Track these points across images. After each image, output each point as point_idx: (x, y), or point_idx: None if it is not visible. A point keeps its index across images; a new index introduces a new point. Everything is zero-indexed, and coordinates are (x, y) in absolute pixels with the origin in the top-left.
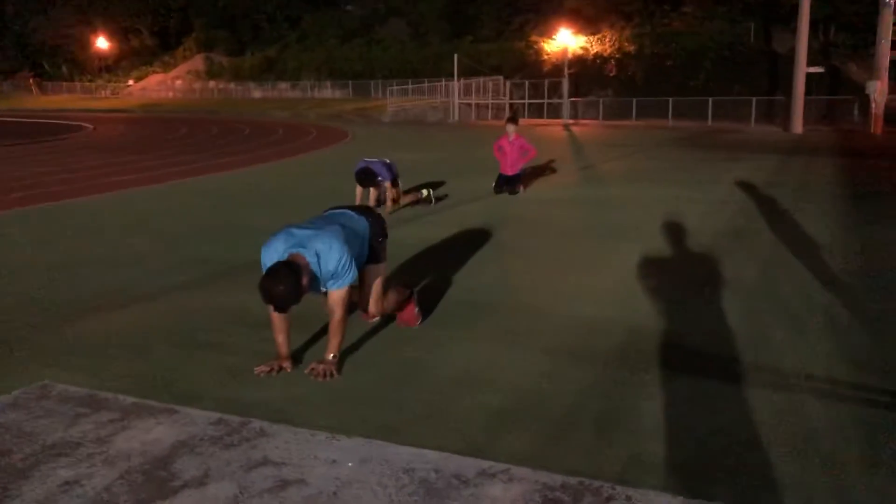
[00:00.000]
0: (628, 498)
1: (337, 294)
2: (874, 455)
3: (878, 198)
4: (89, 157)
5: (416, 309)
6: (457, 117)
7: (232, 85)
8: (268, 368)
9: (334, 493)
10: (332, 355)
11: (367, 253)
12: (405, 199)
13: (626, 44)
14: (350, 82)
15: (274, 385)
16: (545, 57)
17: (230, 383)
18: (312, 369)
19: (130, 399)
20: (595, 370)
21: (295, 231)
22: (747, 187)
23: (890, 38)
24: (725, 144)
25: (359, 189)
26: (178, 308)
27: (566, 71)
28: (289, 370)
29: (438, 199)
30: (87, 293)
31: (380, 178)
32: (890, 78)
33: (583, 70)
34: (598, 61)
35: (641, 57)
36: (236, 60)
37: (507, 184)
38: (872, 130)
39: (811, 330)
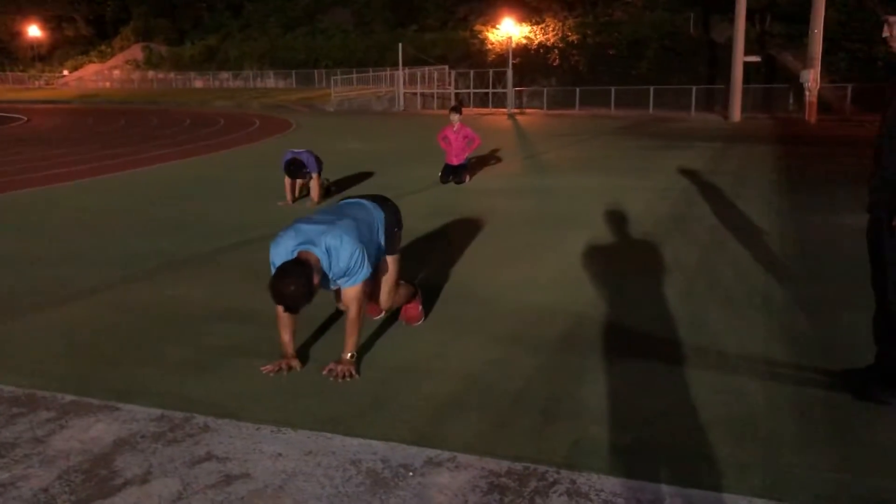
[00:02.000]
0: (573, 482)
1: (352, 291)
2: (810, 433)
3: (813, 184)
4: (23, 150)
5: (421, 307)
6: (402, 106)
7: (172, 75)
8: (275, 368)
9: (280, 487)
10: (349, 354)
11: (384, 245)
12: (320, 192)
13: (570, 33)
14: (293, 72)
15: (218, 380)
16: (489, 46)
17: (173, 379)
18: (331, 370)
19: (69, 397)
20: (540, 357)
21: (304, 227)
22: (688, 174)
23: (822, 29)
24: (667, 133)
25: (287, 181)
26: (117, 303)
27: (510, 60)
28: (298, 369)
29: (346, 188)
30: (21, 290)
31: (307, 169)
32: (822, 67)
33: (527, 59)
34: (541, 51)
35: (584, 46)
36: (176, 50)
37: (452, 173)
38: (807, 118)
39: (749, 313)
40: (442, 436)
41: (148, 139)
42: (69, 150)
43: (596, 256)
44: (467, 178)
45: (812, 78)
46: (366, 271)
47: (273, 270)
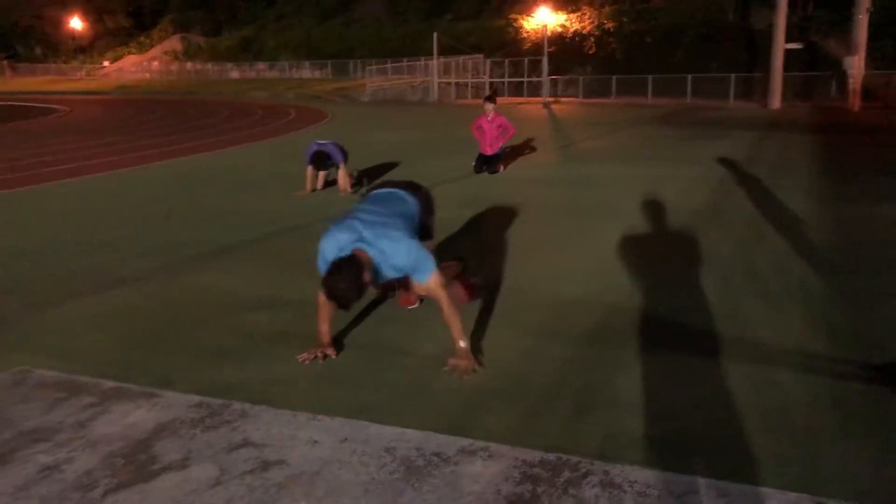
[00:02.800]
0: (606, 473)
1: (431, 282)
2: (848, 427)
3: (855, 174)
4: (63, 141)
5: (472, 279)
6: (436, 96)
7: (209, 65)
8: (310, 356)
9: (315, 473)
10: (462, 342)
11: (420, 233)
12: (349, 182)
13: (606, 21)
14: (329, 62)
15: (255, 367)
16: (524, 35)
17: (210, 366)
18: (453, 366)
19: (110, 383)
20: (574, 347)
21: (357, 225)
22: (726, 164)
23: (867, 14)
24: (704, 121)
25: (309, 172)
26: (156, 291)
27: (546, 49)
28: (333, 356)
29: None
30: (63, 278)
31: (332, 160)
32: (866, 53)
33: (562, 48)
34: (577, 39)
35: (621, 34)
36: (213, 41)
37: (486, 163)
38: (850, 106)
39: (787, 304)
40: (475, 425)
41: (185, 130)
42: (108, 141)
43: (630, 247)
44: (501, 167)
45: (856, 65)
46: (430, 259)
47: (320, 261)
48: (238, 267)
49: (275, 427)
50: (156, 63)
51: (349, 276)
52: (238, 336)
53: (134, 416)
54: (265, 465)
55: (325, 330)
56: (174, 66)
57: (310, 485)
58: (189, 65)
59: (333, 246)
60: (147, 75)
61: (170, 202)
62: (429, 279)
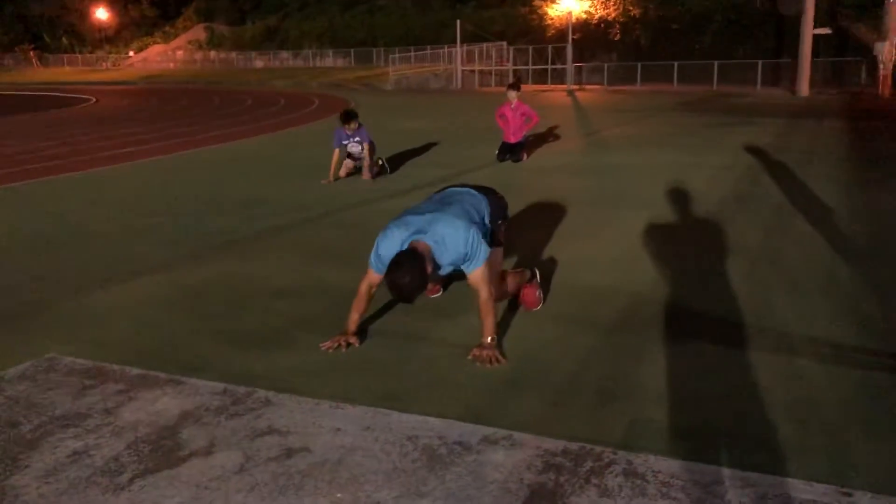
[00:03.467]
0: (629, 462)
1: (478, 273)
2: (875, 419)
3: (885, 162)
4: (92, 130)
5: (538, 291)
6: (460, 84)
7: (233, 55)
8: (333, 344)
9: (339, 461)
10: (489, 338)
11: (489, 235)
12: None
13: (631, 7)
14: (352, 51)
15: (279, 355)
16: (549, 22)
17: (235, 354)
18: (476, 356)
19: (136, 370)
20: (598, 337)
21: (412, 218)
22: (753, 152)
23: None
24: (731, 108)
25: (335, 158)
26: (182, 279)
27: (570, 36)
28: (356, 345)
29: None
30: (92, 266)
31: (360, 145)
32: None
33: (587, 35)
34: (602, 25)
35: (646, 21)
36: (237, 30)
37: (510, 152)
38: (880, 93)
39: (815, 294)
40: (498, 414)
41: (210, 119)
42: (135, 130)
43: (656, 236)
44: (525, 156)
45: (887, 50)
46: (486, 249)
47: (373, 257)
48: (263, 255)
49: (298, 415)
50: (180, 53)
51: (412, 270)
52: (263, 324)
53: (160, 403)
54: (289, 453)
55: (354, 319)
56: (198, 56)
57: (333, 472)
58: (213, 54)
59: (390, 244)
60: (172, 65)
61: (197, 191)
62: (477, 269)
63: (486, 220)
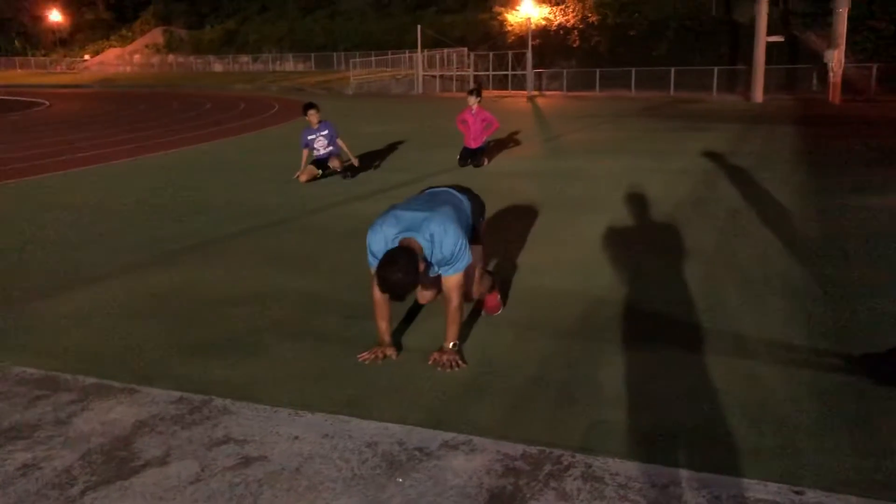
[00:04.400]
0: (588, 466)
1: (454, 279)
2: (828, 419)
3: (835, 167)
4: (46, 135)
5: (499, 297)
6: (421, 89)
7: (192, 58)
8: (371, 356)
9: (297, 469)
10: (451, 344)
11: (471, 234)
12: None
13: (589, 14)
14: (312, 55)
15: (237, 362)
16: (509, 28)
17: (193, 362)
18: (435, 360)
19: (90, 379)
20: (557, 340)
21: (404, 214)
22: (708, 156)
23: (847, 8)
24: (688, 114)
25: (305, 152)
26: (137, 286)
27: (530, 42)
28: (394, 357)
29: (367, 170)
30: (44, 274)
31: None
32: (846, 47)
33: (546, 41)
34: (561, 32)
35: (604, 27)
36: (196, 33)
37: (471, 157)
38: (831, 99)
39: (769, 296)
40: (458, 419)
41: (169, 123)
42: (91, 135)
43: (615, 240)
44: (486, 161)
45: (836, 58)
46: (467, 259)
47: (369, 256)
48: (222, 261)
49: (256, 423)
50: (137, 56)
51: (404, 266)
52: (221, 331)
53: (114, 413)
54: (246, 462)
55: (384, 328)
56: (156, 60)
57: (291, 481)
58: (171, 58)
59: (380, 239)
60: (129, 69)
61: (155, 196)
62: (456, 275)
63: (470, 220)
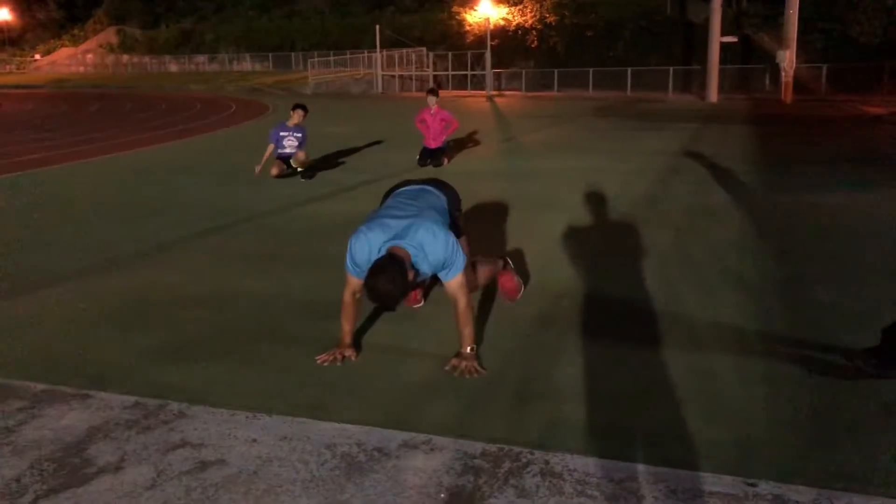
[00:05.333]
0: (546, 462)
1: (455, 281)
2: (778, 411)
3: (787, 164)
4: None
5: (516, 277)
6: (380, 89)
7: (147, 59)
8: (330, 357)
9: (254, 472)
10: (469, 348)
11: (454, 229)
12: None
13: (547, 14)
14: (270, 55)
15: (194, 366)
16: (468, 28)
17: (148, 365)
18: (453, 367)
19: (41, 386)
20: (516, 338)
21: (390, 221)
22: (664, 155)
23: (797, 9)
24: (644, 114)
25: (270, 147)
26: (92, 290)
27: (489, 42)
28: (353, 358)
29: (325, 171)
30: None
31: (298, 135)
32: (797, 47)
33: (505, 41)
34: (519, 32)
35: (562, 27)
36: (150, 33)
37: (430, 157)
38: (783, 98)
39: (722, 292)
40: (417, 418)
41: (123, 124)
42: (43, 136)
43: (572, 238)
44: (445, 160)
45: (788, 58)
46: (463, 258)
47: (348, 261)
48: (177, 263)
49: (213, 426)
50: (90, 56)
51: (394, 276)
52: (177, 334)
53: (67, 419)
54: (203, 466)
55: (347, 330)
56: (110, 60)
57: (249, 484)
58: (125, 58)
59: (365, 247)
60: (81, 69)
61: (108, 198)
62: (455, 277)
63: (449, 215)
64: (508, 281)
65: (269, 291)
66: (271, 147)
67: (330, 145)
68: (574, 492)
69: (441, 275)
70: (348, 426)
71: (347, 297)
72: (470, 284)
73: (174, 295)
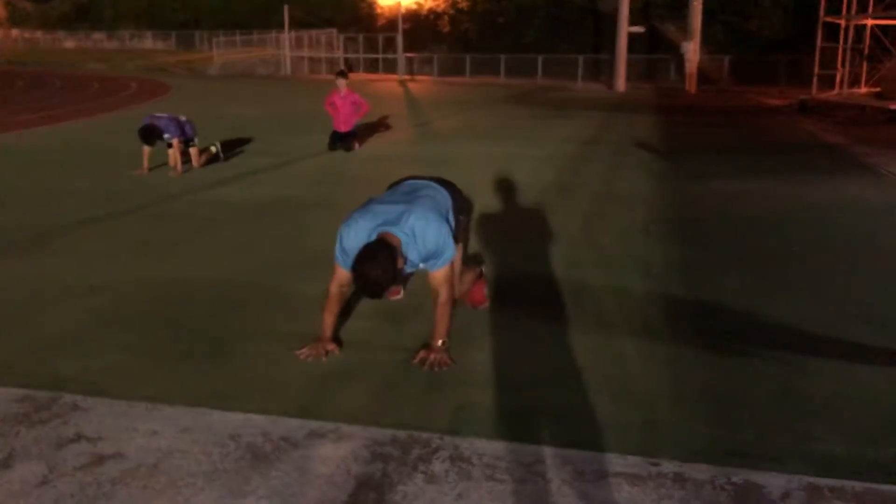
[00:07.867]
0: (455, 447)
1: (441, 273)
2: (682, 393)
3: (691, 153)
4: None
5: (485, 289)
6: (289, 71)
7: (39, 34)
8: (313, 352)
9: (154, 465)
10: (440, 342)
11: (452, 230)
12: (201, 159)
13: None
14: (173, 33)
15: (89, 356)
16: (379, 11)
17: (40, 357)
18: (422, 359)
19: None
20: (425, 324)
21: (381, 207)
22: (573, 143)
23: (701, 1)
24: (554, 101)
25: (145, 149)
26: None
27: (400, 26)
28: (336, 353)
29: (230, 155)
30: None
31: (166, 136)
32: (701, 39)
33: (417, 25)
34: (431, 17)
35: (474, 13)
36: (43, 7)
37: (340, 140)
38: (687, 88)
39: (629, 277)
40: (326, 407)
41: (13, 103)
42: None
43: (483, 224)
44: (356, 145)
45: (692, 49)
46: (452, 251)
47: (337, 250)
48: (73, 250)
49: (110, 419)
50: None
51: (384, 262)
52: (72, 324)
53: None
54: (99, 460)
55: (329, 324)
56: None
57: (148, 477)
58: (15, 32)
59: (354, 233)
60: None
61: None
62: (442, 269)
63: (450, 216)
64: (479, 293)
65: (172, 277)
66: (146, 149)
67: (237, 128)
68: (483, 476)
69: (428, 264)
70: (253, 416)
71: (334, 289)
72: (459, 293)
73: (70, 283)
